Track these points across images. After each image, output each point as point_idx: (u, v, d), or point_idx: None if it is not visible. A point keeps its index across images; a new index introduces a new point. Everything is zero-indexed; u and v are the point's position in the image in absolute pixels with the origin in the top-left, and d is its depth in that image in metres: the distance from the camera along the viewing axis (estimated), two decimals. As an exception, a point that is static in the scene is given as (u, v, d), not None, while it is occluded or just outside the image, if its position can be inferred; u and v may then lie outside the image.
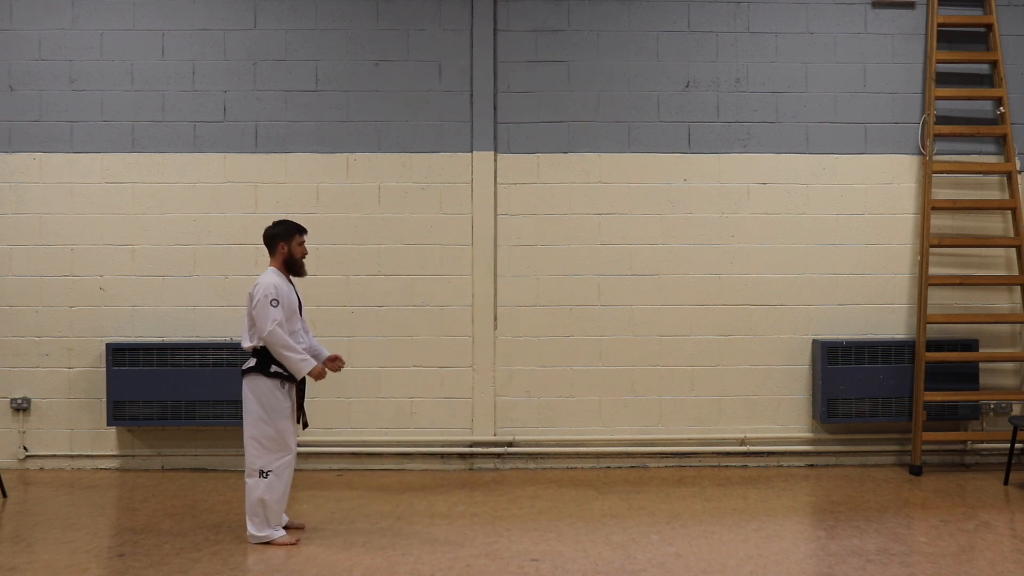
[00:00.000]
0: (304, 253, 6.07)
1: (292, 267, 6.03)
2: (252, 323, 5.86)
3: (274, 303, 5.78)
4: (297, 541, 5.93)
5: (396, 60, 7.97)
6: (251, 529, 5.90)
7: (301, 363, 5.83)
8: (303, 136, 7.95)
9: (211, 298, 7.91)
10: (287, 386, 5.90)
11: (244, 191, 7.93)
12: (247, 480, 5.89)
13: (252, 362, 5.89)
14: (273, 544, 5.88)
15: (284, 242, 6.00)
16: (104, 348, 7.79)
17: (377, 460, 7.93)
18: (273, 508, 5.89)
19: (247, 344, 5.91)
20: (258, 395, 5.85)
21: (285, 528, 6.08)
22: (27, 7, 7.90)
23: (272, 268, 5.99)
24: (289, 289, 5.97)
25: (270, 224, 6.11)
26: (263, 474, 5.84)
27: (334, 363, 6.15)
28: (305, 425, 6.15)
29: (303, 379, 5.96)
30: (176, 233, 7.92)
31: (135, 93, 7.92)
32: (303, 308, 6.11)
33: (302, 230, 6.08)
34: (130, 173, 7.92)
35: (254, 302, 5.82)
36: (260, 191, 7.94)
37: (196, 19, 7.93)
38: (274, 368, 5.84)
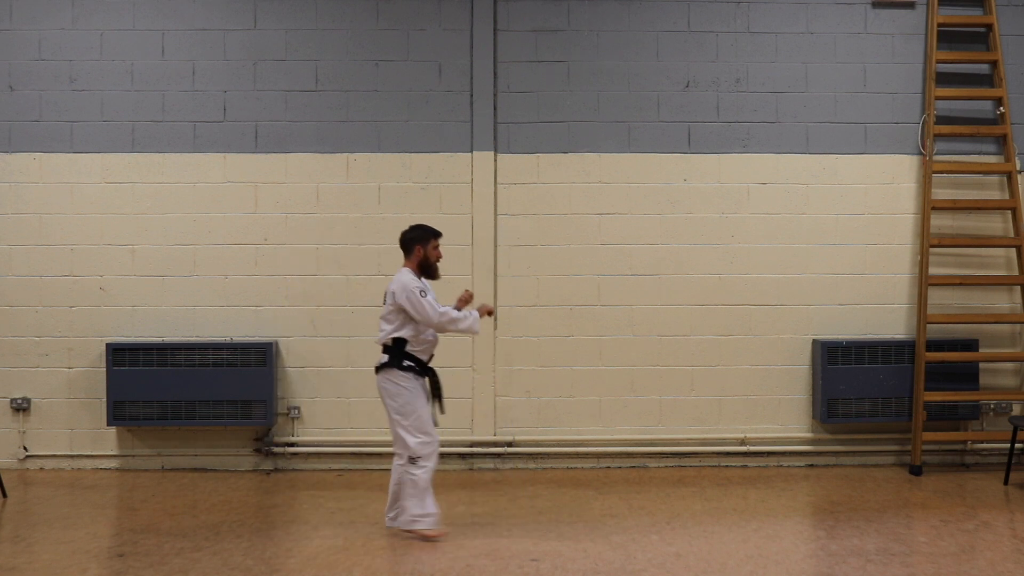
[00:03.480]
0: (439, 256, 6.23)
1: (427, 270, 6.19)
2: (391, 319, 6.02)
3: (422, 292, 5.98)
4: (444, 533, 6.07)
5: (396, 60, 7.97)
6: (413, 509, 6.02)
7: (472, 321, 6.13)
8: (303, 136, 7.95)
9: (211, 298, 7.91)
10: (419, 378, 6.07)
11: (244, 191, 7.93)
12: (397, 464, 6.08)
13: (385, 358, 6.04)
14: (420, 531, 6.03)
15: (420, 245, 6.14)
16: (104, 348, 7.79)
17: (377, 460, 7.92)
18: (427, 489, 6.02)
19: (382, 340, 6.05)
20: (396, 388, 5.99)
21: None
22: (27, 7, 7.90)
23: (406, 269, 6.14)
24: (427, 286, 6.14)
25: (407, 228, 6.25)
26: (413, 460, 5.97)
27: (483, 307, 6.32)
28: (442, 411, 6.25)
29: (435, 371, 6.13)
30: (176, 233, 7.92)
31: (135, 93, 7.91)
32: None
33: (437, 234, 6.21)
34: (130, 173, 7.92)
35: (401, 298, 5.96)
36: (260, 191, 7.94)
37: (196, 19, 7.93)
38: (406, 363, 6.00)
